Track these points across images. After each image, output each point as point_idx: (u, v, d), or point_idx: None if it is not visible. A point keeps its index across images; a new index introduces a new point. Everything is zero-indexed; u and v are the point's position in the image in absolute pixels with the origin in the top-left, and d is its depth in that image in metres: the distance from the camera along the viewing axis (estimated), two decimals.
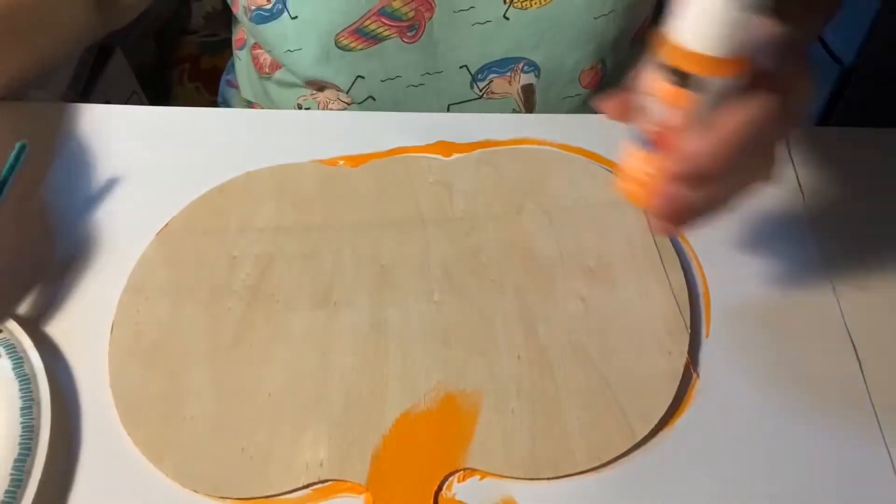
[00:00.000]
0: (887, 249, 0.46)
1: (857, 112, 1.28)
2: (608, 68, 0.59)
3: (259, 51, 0.63)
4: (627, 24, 0.56)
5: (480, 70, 0.57)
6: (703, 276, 0.44)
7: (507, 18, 0.54)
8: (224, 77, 0.76)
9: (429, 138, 0.50)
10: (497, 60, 0.56)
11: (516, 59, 0.57)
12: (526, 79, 0.58)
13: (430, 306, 0.42)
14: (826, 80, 1.38)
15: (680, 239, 0.46)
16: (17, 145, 0.45)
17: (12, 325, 0.39)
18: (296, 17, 0.54)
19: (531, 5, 0.54)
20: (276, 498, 0.36)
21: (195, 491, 0.36)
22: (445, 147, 0.50)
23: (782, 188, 0.48)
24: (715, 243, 0.45)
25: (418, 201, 0.47)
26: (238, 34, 0.69)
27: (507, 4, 0.53)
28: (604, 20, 0.54)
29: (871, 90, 1.26)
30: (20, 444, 0.35)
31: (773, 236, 0.46)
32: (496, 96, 0.59)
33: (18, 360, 0.38)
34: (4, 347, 0.38)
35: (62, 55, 0.55)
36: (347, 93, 0.58)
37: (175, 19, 1.60)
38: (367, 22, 0.53)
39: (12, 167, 0.44)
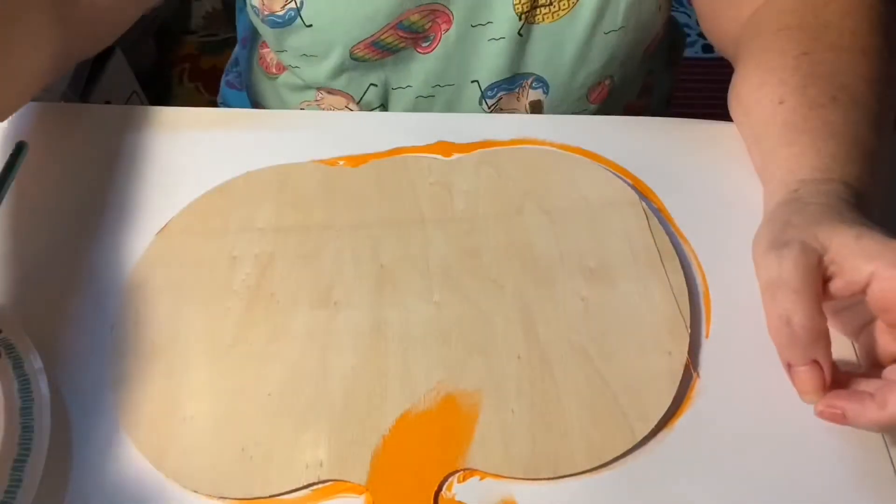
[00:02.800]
0: None
1: None
2: (616, 84, 0.59)
3: (266, 50, 0.63)
4: (638, 39, 0.56)
5: (490, 87, 0.57)
6: (703, 276, 0.44)
7: (521, 35, 0.54)
8: (224, 78, 0.76)
9: (429, 138, 0.50)
10: (507, 79, 0.56)
11: (525, 76, 0.57)
12: (534, 95, 0.58)
13: (430, 306, 0.42)
14: None
15: (680, 239, 0.46)
16: (17, 145, 0.45)
17: (12, 324, 0.39)
18: (310, 26, 0.53)
19: (543, 20, 0.54)
20: (276, 498, 0.36)
21: (195, 491, 0.36)
22: (445, 147, 0.50)
23: None
24: (715, 243, 0.45)
25: (418, 201, 0.47)
26: (243, 32, 0.69)
27: (523, 21, 0.53)
28: (614, 35, 0.54)
29: None
30: (20, 444, 0.35)
31: None
32: (504, 113, 0.59)
33: (18, 361, 0.38)
34: (4, 347, 0.38)
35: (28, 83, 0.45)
36: (359, 101, 0.58)
37: (175, 19, 1.60)
38: (384, 35, 0.53)
39: (12, 167, 0.44)
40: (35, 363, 0.38)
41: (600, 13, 0.53)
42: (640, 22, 0.55)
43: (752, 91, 0.45)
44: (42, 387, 0.37)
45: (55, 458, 0.36)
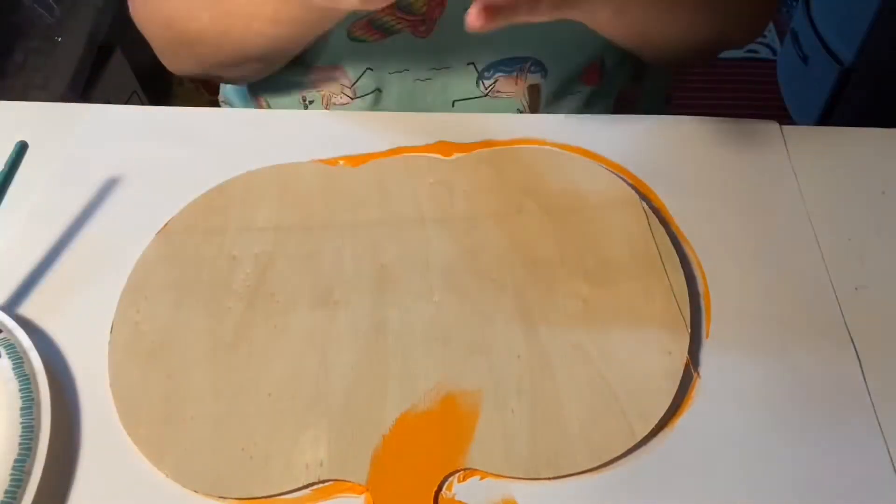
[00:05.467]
0: (887, 249, 0.46)
1: (857, 112, 1.28)
2: (608, 65, 0.59)
3: None
4: None
5: (487, 68, 0.57)
6: (703, 276, 0.44)
7: None
8: None
9: (429, 138, 0.50)
10: (504, 59, 0.56)
11: (523, 59, 0.57)
12: (532, 79, 0.58)
13: (430, 306, 0.42)
14: (826, 80, 1.38)
15: (680, 239, 0.46)
16: (17, 145, 0.45)
17: (12, 325, 0.39)
18: None
19: None
20: (276, 498, 0.36)
21: (195, 491, 0.36)
22: (445, 147, 0.50)
23: (782, 188, 0.48)
24: (715, 243, 0.45)
25: (418, 201, 0.47)
26: None
27: None
28: None
29: (871, 90, 1.26)
30: (20, 444, 0.35)
31: (773, 236, 0.46)
32: (501, 95, 0.59)
33: (18, 360, 0.38)
34: (4, 347, 0.38)
35: None
36: (354, 85, 0.58)
37: None
38: (382, 14, 0.53)
39: (12, 167, 0.44)
40: (35, 363, 0.38)
41: None
42: None
43: None
44: (42, 387, 0.37)
45: (55, 457, 0.36)
